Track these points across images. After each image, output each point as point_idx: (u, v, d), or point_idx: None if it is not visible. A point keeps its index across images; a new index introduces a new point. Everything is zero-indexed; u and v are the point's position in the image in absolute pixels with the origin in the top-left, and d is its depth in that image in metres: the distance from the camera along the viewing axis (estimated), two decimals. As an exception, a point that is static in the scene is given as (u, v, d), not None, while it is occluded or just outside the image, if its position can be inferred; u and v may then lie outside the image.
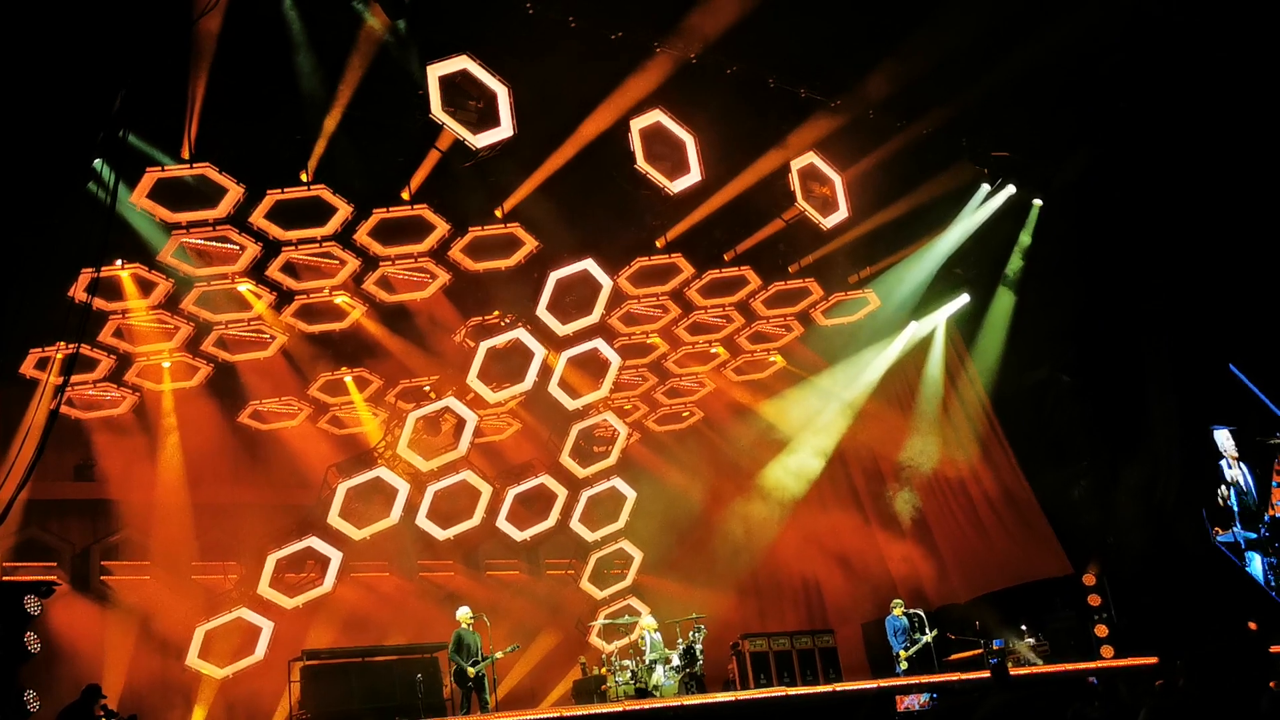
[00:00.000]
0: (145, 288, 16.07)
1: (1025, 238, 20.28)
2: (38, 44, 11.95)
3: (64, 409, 17.20)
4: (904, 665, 17.58)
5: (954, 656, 18.40)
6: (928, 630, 17.80)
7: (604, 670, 17.89)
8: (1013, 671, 15.85)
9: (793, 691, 16.08)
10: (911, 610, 18.35)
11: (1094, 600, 19.49)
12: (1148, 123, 17.59)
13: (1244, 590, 18.54)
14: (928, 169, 18.61)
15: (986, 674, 16.66)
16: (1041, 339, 20.99)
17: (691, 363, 21.83)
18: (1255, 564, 19.13)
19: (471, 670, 15.33)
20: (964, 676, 16.54)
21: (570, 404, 19.00)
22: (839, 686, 16.53)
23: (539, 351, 17.95)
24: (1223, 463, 19.66)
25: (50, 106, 12.40)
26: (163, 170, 13.82)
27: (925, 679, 16.50)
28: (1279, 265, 17.27)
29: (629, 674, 17.15)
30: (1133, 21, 15.70)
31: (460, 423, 18.32)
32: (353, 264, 16.52)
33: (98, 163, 13.23)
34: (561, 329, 17.73)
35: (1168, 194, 18.39)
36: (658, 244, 18.25)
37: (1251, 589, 18.63)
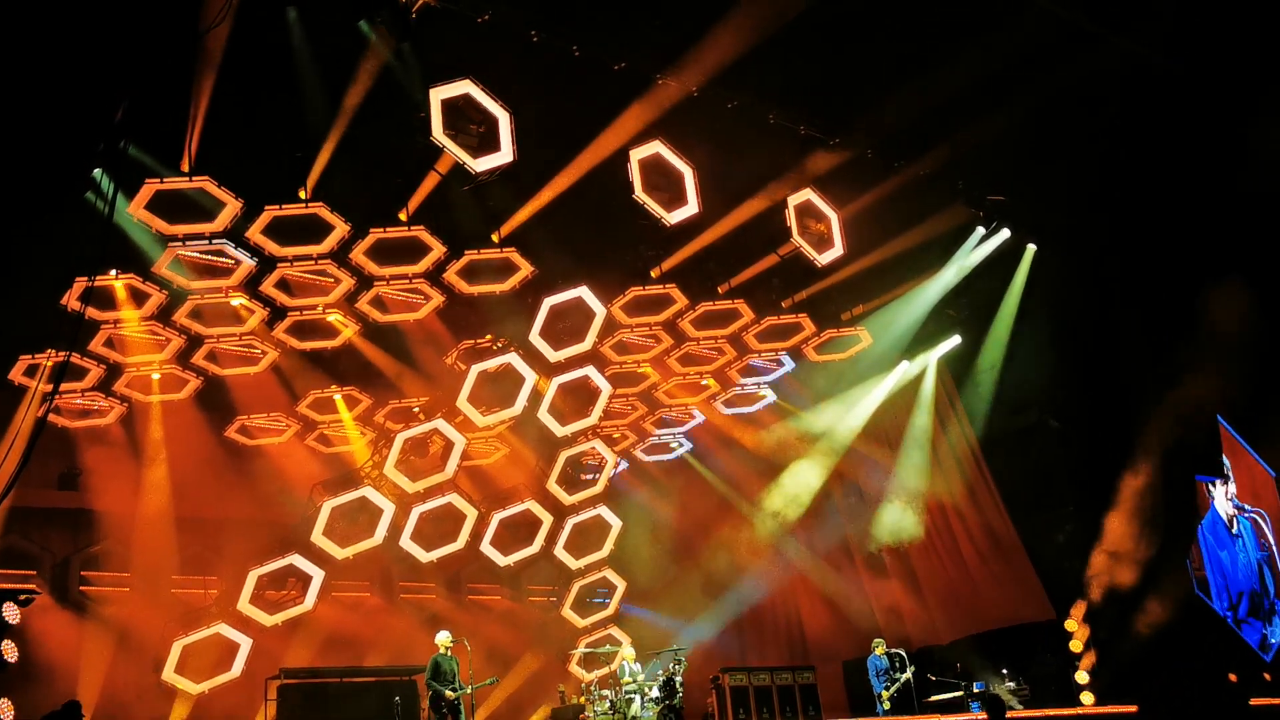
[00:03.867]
0: (138, 298, 16.05)
1: (1018, 282, 20.37)
2: (42, 54, 12.00)
3: (51, 417, 17.15)
4: (886, 705, 17.49)
5: (934, 698, 18.33)
6: (908, 668, 17.74)
7: (583, 699, 17.77)
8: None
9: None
10: (893, 650, 18.29)
11: (1075, 646, 19.49)
12: (1144, 171, 17.73)
13: (1225, 640, 18.51)
14: (923, 210, 18.74)
15: (968, 716, 16.63)
16: (1031, 383, 21.06)
17: (682, 394, 21.84)
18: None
19: (450, 694, 15.22)
20: (944, 719, 16.47)
21: (559, 430, 19.01)
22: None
23: (530, 377, 17.96)
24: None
25: (52, 115, 12.44)
26: (161, 182, 13.83)
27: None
28: (1269, 316, 17.36)
29: (608, 704, 17.05)
30: (1130, 70, 15.89)
31: (448, 445, 18.30)
32: (347, 283, 16.53)
33: (97, 172, 13.26)
34: (553, 355, 17.76)
35: (1161, 243, 18.53)
36: (652, 274, 18.32)
37: (1233, 639, 18.61)
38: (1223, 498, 19.32)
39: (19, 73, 11.79)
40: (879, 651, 18.15)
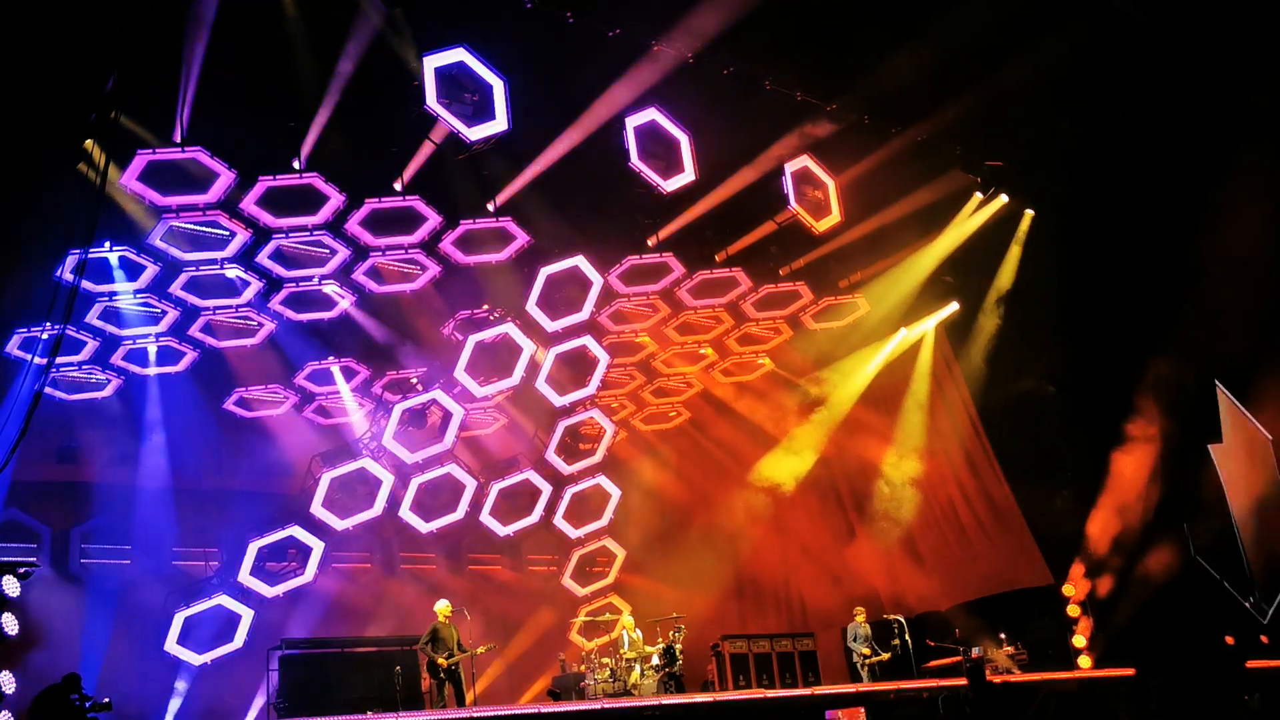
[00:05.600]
0: (133, 271, 15.99)
1: (1016, 247, 20.32)
2: (32, 23, 11.90)
3: (48, 390, 17.11)
4: (866, 673, 17.67)
5: (933, 663, 18.44)
6: (906, 634, 17.86)
7: (583, 668, 17.88)
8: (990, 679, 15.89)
9: (771, 694, 16.09)
10: (891, 616, 18.40)
11: (1073, 610, 19.60)
12: (1141, 135, 17.66)
13: (1222, 604, 18.59)
14: (921, 176, 18.68)
15: (963, 680, 16.72)
16: (1029, 349, 21.04)
17: (680, 363, 21.81)
18: None
19: (443, 661, 15.30)
20: (940, 683, 16.54)
21: (557, 400, 19.00)
22: (818, 690, 16.55)
23: (527, 347, 17.94)
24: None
25: (42, 86, 12.34)
26: (154, 153, 13.75)
27: (903, 685, 16.51)
28: (1269, 280, 17.31)
29: (608, 672, 17.16)
30: (1127, 32, 15.79)
31: (446, 416, 18.31)
32: (343, 253, 16.47)
33: (89, 143, 13.18)
34: (550, 325, 17.75)
35: (1159, 207, 18.46)
36: (649, 242, 18.25)
37: (1229, 602, 18.68)
38: None
39: (8, 44, 11.69)
40: (860, 619, 18.28)
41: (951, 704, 14.82)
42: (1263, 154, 16.46)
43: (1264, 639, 18.08)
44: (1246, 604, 18.63)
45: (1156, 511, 19.13)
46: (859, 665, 18.12)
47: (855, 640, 18.24)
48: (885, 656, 17.90)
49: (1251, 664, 15.01)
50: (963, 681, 16.53)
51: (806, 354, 22.29)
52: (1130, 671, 16.43)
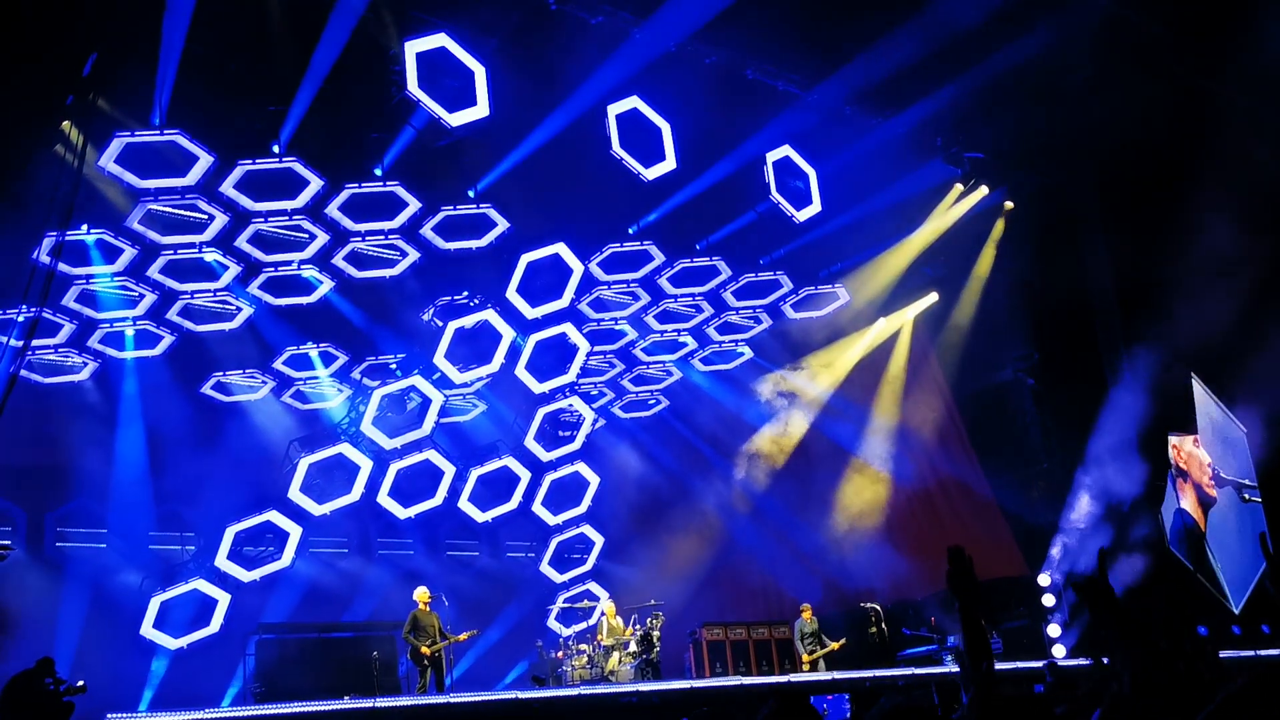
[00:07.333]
0: (110, 254, 15.88)
1: (994, 239, 20.42)
2: (10, 4, 11.79)
3: (24, 373, 16.97)
4: (806, 667, 17.72)
5: (908, 652, 18.58)
6: (882, 623, 17.98)
7: (560, 654, 17.91)
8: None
9: (747, 680, 16.16)
10: (867, 605, 18.49)
11: (1048, 600, 19.76)
12: (1121, 130, 17.74)
13: (1195, 593, 18.79)
14: (902, 167, 18.72)
15: (936, 668, 16.84)
16: (1006, 340, 21.16)
17: (660, 351, 21.83)
18: None
19: (427, 649, 15.31)
20: (917, 671, 16.67)
21: (537, 387, 18.99)
22: (794, 677, 16.64)
23: (507, 333, 17.93)
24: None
25: (20, 67, 12.23)
26: (132, 135, 13.65)
27: (886, 672, 16.62)
28: (1244, 273, 17.45)
29: (586, 659, 17.19)
30: (1107, 27, 15.86)
31: (425, 402, 18.29)
32: (322, 238, 16.40)
33: (66, 125, 13.09)
34: (530, 312, 17.72)
35: (1136, 201, 18.58)
36: (630, 230, 18.25)
37: (1202, 592, 18.88)
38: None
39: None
40: (806, 616, 18.33)
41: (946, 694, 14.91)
42: (1233, 148, 16.61)
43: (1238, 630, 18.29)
44: (1218, 594, 18.84)
45: (1131, 502, 19.29)
46: (802, 661, 18.09)
47: (803, 638, 18.23)
48: (835, 646, 17.90)
49: (1223, 654, 15.16)
50: (936, 669, 16.70)
51: (786, 343, 22.34)
52: (1102, 660, 16.57)
